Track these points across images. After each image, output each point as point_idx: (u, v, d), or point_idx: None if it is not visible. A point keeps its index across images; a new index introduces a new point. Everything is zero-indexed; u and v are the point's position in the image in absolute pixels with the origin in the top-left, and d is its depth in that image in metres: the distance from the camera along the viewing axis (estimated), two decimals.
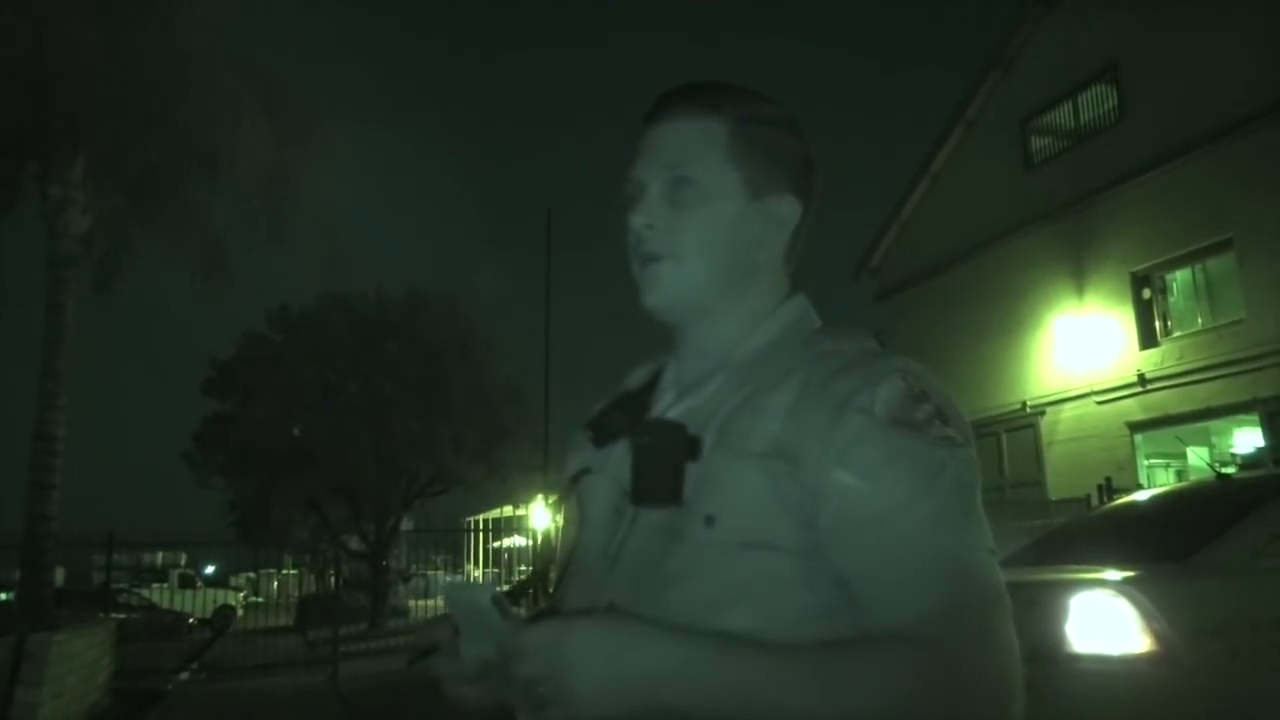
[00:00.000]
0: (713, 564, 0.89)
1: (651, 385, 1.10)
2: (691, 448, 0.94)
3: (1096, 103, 14.34)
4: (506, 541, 31.24)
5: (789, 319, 1.04)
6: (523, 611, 0.97)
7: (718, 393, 0.99)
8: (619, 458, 1.01)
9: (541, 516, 19.17)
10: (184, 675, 13.22)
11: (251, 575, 34.40)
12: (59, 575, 14.43)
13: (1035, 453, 14.61)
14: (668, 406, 1.03)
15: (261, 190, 12.00)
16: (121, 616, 14.71)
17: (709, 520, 0.90)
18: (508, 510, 25.70)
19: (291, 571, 34.87)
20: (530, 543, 22.77)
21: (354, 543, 21.65)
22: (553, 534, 1.16)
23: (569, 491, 1.08)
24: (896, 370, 0.92)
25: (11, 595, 11.79)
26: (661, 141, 1.03)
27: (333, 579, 17.01)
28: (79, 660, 8.39)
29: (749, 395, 0.95)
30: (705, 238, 1.00)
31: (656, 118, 1.05)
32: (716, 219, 1.01)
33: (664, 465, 0.94)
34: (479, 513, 27.10)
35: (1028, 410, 14.74)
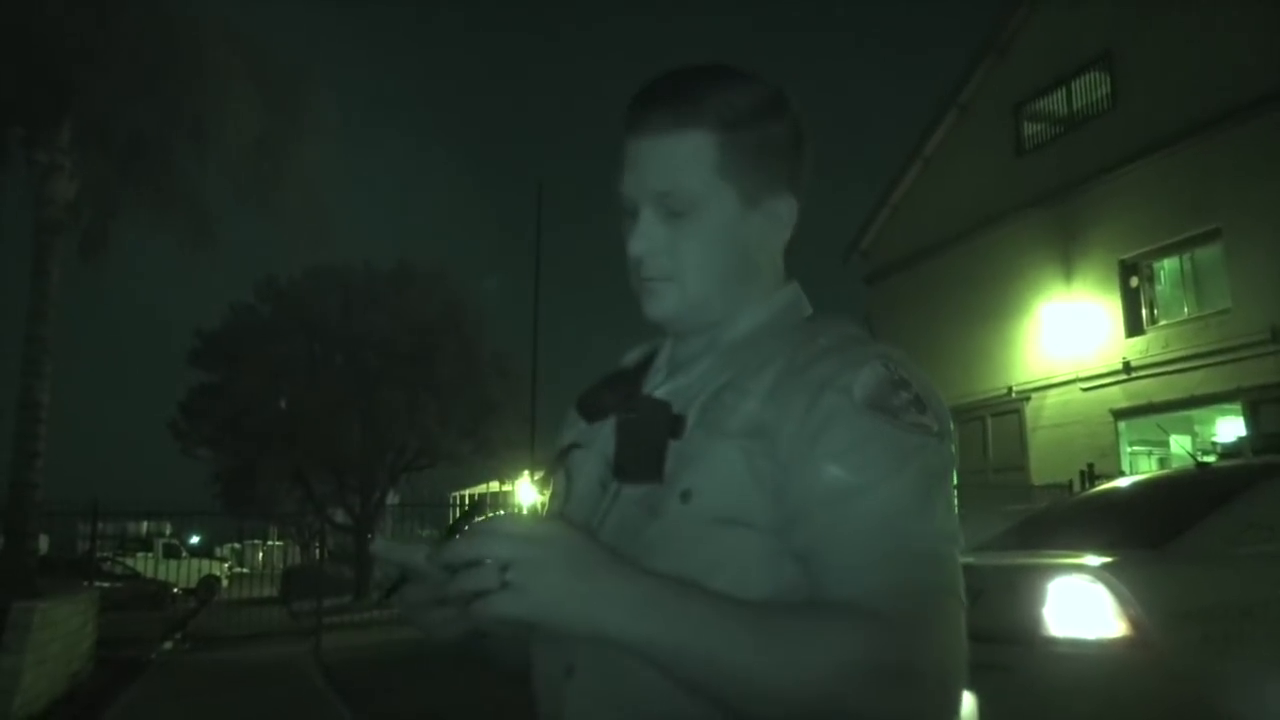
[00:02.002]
0: (687, 538, 0.90)
1: (646, 364, 1.11)
2: (675, 426, 0.96)
3: (1089, 90, 14.35)
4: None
5: (780, 305, 1.05)
6: None
7: (705, 373, 1.00)
8: (607, 434, 1.03)
9: (528, 493, 19.21)
10: (168, 645, 13.24)
11: (236, 546, 34.43)
12: (43, 544, 14.39)
13: (1020, 438, 14.69)
14: (657, 385, 1.04)
15: (249, 159, 11.92)
16: (105, 585, 14.69)
17: (685, 495, 0.91)
18: (494, 486, 25.73)
19: (277, 543, 34.91)
20: None
21: (339, 515, 21.67)
22: (539, 509, 1.17)
23: (558, 465, 1.10)
24: (879, 356, 0.92)
25: None
26: (648, 160, 0.99)
27: (318, 551, 17.01)
28: (62, 629, 8.38)
29: (733, 376, 0.97)
30: (704, 255, 0.99)
31: (639, 129, 1.00)
32: (713, 235, 0.99)
33: (647, 442, 0.95)
34: (465, 488, 27.14)
35: (1013, 395, 14.81)
